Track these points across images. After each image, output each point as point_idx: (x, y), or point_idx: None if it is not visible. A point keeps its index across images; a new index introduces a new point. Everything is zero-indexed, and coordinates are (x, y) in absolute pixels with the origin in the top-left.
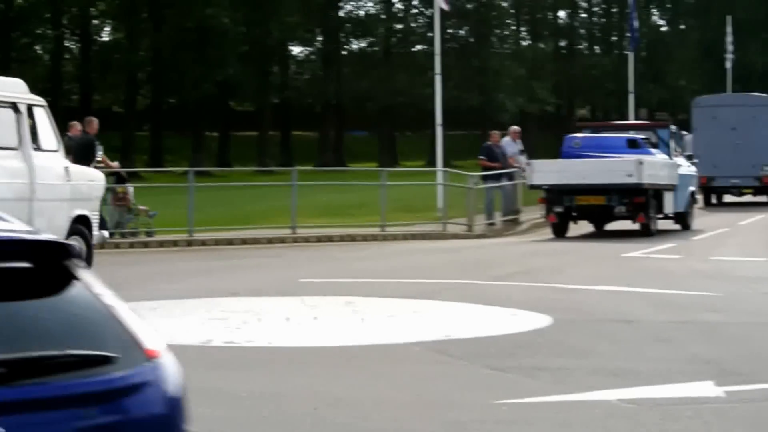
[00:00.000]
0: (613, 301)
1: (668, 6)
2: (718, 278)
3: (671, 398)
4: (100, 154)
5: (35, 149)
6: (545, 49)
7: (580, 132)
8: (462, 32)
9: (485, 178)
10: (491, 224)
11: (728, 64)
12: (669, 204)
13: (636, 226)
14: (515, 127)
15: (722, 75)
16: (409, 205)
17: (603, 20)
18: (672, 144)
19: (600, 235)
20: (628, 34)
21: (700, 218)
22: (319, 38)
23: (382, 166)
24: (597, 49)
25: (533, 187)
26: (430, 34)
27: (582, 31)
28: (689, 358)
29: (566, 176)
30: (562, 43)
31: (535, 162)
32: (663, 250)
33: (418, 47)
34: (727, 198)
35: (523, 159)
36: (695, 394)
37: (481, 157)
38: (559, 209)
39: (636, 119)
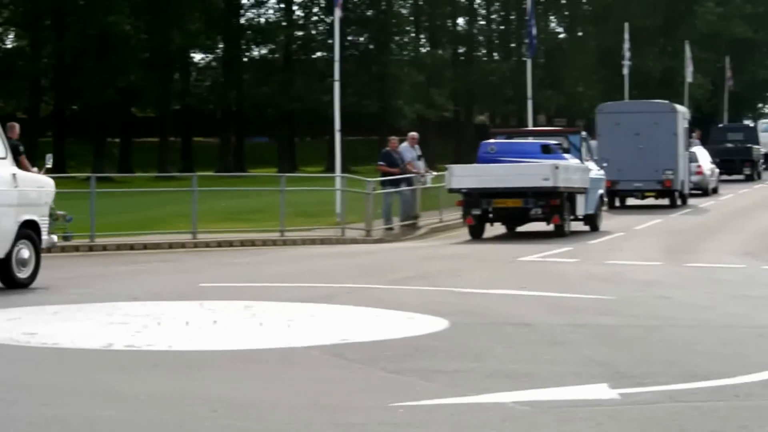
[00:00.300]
0: (509, 304)
1: (566, 13)
2: (612, 282)
3: (566, 401)
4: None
5: None
6: (444, 55)
7: (494, 138)
8: (362, 39)
9: (384, 184)
10: (389, 229)
11: (626, 71)
12: (580, 206)
13: (550, 228)
14: (413, 133)
15: (620, 81)
16: (308, 210)
17: (501, 27)
18: (583, 149)
19: (499, 239)
20: (527, 41)
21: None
22: (221, 45)
23: (281, 171)
24: (495, 55)
25: (452, 190)
26: (330, 41)
27: (481, 38)
28: (584, 360)
29: (484, 180)
30: (461, 50)
31: (453, 167)
32: (559, 253)
33: (318, 54)
34: (630, 201)
35: (421, 164)
36: (589, 396)
37: (381, 163)
38: (476, 212)
39: (534, 125)
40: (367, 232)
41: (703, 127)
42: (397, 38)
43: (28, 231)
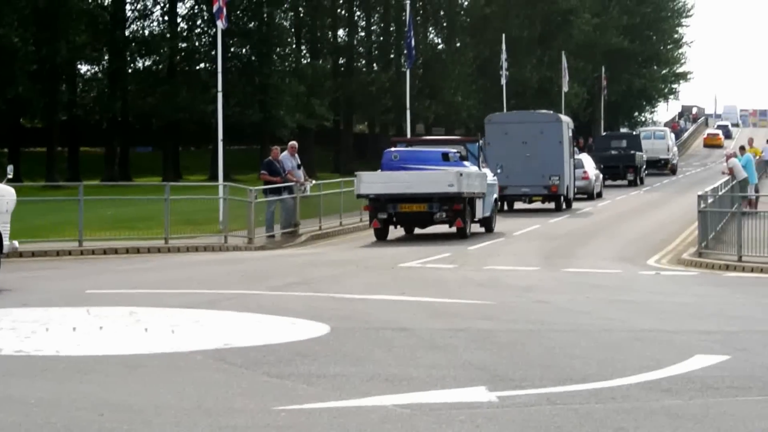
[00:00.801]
0: (389, 309)
1: (444, 24)
2: (491, 287)
3: (445, 403)
4: None
5: None
6: (324, 66)
7: (395, 147)
8: (244, 51)
9: (266, 192)
10: (271, 236)
11: (503, 81)
12: (479, 210)
13: (453, 230)
14: (293, 142)
15: (498, 91)
16: (192, 218)
17: (381, 38)
18: (481, 157)
19: (381, 245)
20: (405, 52)
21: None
22: (106, 57)
23: (166, 180)
24: (375, 66)
25: (360, 196)
26: (213, 53)
27: (360, 49)
28: (462, 364)
29: (391, 186)
30: (341, 61)
31: (362, 174)
32: (439, 259)
33: (202, 65)
34: (518, 205)
35: (300, 173)
36: (468, 399)
37: (263, 172)
38: (383, 216)
39: (412, 134)
40: (250, 239)
41: (580, 135)
42: (278, 49)
43: None
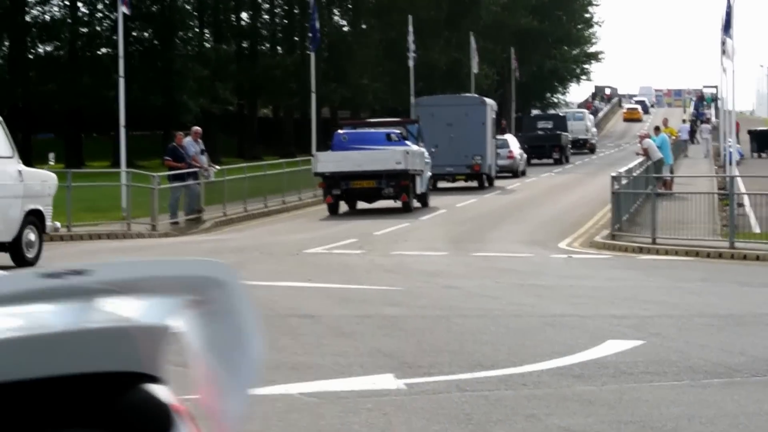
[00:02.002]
0: (294, 296)
1: (350, 6)
2: (398, 272)
3: (352, 391)
4: None
5: None
6: (228, 50)
7: (342, 129)
8: (146, 35)
9: (170, 178)
10: (175, 223)
11: (411, 63)
12: (419, 186)
13: (398, 204)
14: (196, 128)
15: (405, 74)
16: (95, 205)
17: (285, 21)
18: (421, 137)
19: (284, 230)
20: (310, 35)
21: (393, 214)
22: (6, 43)
23: (68, 167)
24: (279, 49)
25: (317, 174)
26: (114, 38)
27: (264, 32)
28: (370, 351)
29: (344, 164)
30: (245, 44)
31: (319, 154)
32: (345, 245)
33: (104, 50)
34: (442, 184)
35: (204, 159)
36: (376, 387)
37: (167, 158)
38: (336, 192)
39: (318, 118)
40: (153, 226)
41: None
42: (181, 33)
43: (34, 218)
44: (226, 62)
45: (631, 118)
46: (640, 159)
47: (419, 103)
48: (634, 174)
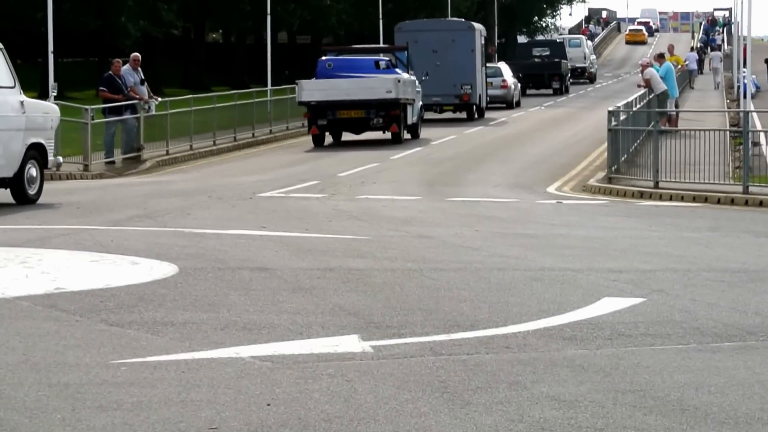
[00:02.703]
0: (246, 246)
1: None
2: (364, 219)
3: (311, 354)
4: None
5: None
6: None
7: (326, 55)
8: None
9: (105, 111)
10: (111, 162)
11: None
12: (410, 116)
13: (387, 136)
14: (135, 54)
15: None
16: None
17: None
18: (411, 65)
19: (236, 171)
20: None
21: (358, 149)
22: None
23: None
24: None
25: (301, 103)
26: None
27: None
28: (332, 309)
29: (331, 93)
30: None
31: (303, 81)
32: (305, 188)
33: None
34: (428, 115)
35: (144, 90)
36: (338, 349)
37: (102, 88)
38: (322, 122)
39: (273, 43)
40: (86, 166)
41: None
42: None
43: (35, 152)
44: None
45: (634, 40)
46: (641, 91)
47: (401, 29)
48: (634, 108)
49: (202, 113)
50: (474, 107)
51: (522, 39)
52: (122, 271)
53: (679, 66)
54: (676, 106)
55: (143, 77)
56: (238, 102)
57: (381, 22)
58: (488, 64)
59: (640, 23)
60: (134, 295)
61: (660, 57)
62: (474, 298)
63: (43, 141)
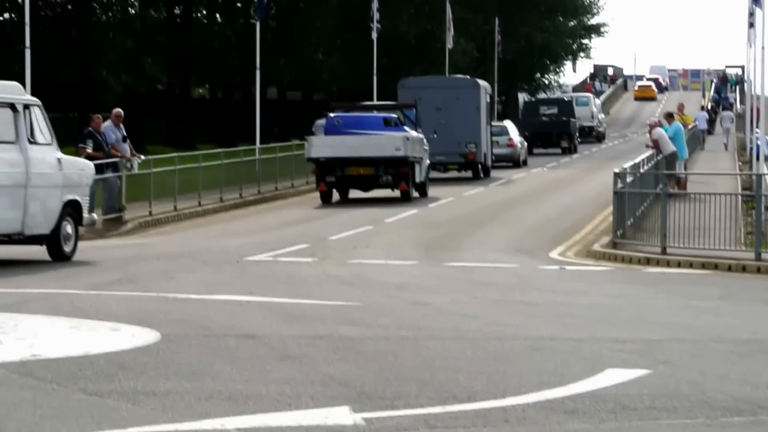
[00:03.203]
0: (232, 312)
1: None
2: (357, 285)
3: (300, 427)
4: None
5: (31, 143)
6: (157, 17)
7: (332, 113)
8: None
9: None
10: (91, 224)
11: (374, 35)
12: (418, 174)
13: (396, 194)
14: (117, 110)
15: (367, 48)
16: None
17: None
18: (419, 122)
19: (222, 234)
20: (255, 0)
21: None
22: None
23: None
24: (218, 17)
25: (310, 160)
26: (19, 1)
27: None
28: (322, 379)
29: (340, 150)
30: (177, 11)
31: (312, 138)
32: (294, 251)
33: (6, 16)
34: (433, 174)
35: (126, 147)
36: (328, 422)
37: (82, 145)
38: (330, 179)
39: (262, 99)
40: None
41: None
42: None
43: (71, 209)
44: (155, 32)
45: (644, 96)
46: (649, 152)
47: (405, 85)
48: (642, 170)
49: (187, 172)
50: (479, 166)
51: (524, 97)
52: (102, 338)
53: (689, 126)
54: (686, 168)
55: (125, 134)
56: (225, 161)
57: (375, 78)
58: (494, 123)
59: (649, 80)
60: (114, 363)
61: (669, 116)
62: (471, 368)
63: (78, 198)
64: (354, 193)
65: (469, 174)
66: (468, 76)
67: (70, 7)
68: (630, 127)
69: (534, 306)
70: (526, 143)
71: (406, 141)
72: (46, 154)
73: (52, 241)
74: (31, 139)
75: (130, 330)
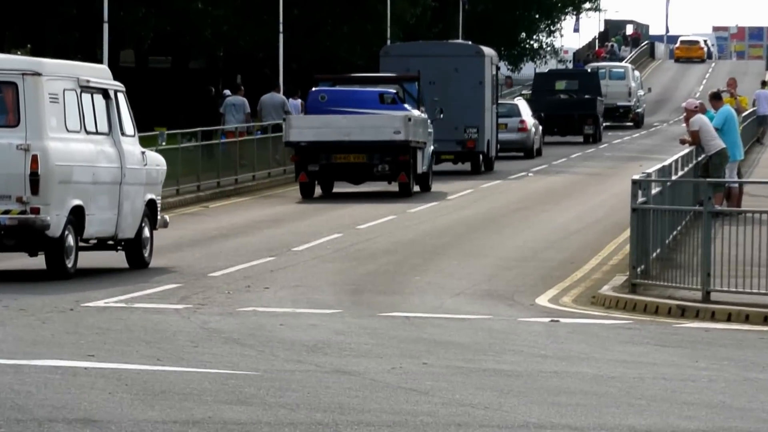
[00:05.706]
0: (62, 386)
1: None
2: (250, 344)
3: None
4: None
5: (121, 134)
6: None
7: (318, 85)
8: None
9: None
10: None
11: None
12: (420, 164)
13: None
14: None
15: None
16: None
17: None
18: (422, 99)
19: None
20: None
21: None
22: None
23: None
24: None
25: (289, 144)
26: None
27: None
28: None
29: (325, 133)
30: None
31: (291, 117)
32: (158, 294)
33: None
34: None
35: None
36: None
37: None
38: (313, 168)
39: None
40: None
41: None
42: None
43: (147, 210)
44: None
45: (688, 56)
46: (686, 149)
47: (388, 52)
48: (673, 177)
49: None
50: (480, 157)
51: (505, 68)
52: None
53: (744, 110)
54: (739, 174)
55: None
56: None
57: (281, 37)
58: (500, 102)
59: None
60: None
61: (715, 97)
62: None
63: (155, 197)
64: (339, 186)
65: (467, 167)
66: (470, 42)
67: None
68: (659, 112)
69: (513, 377)
70: (541, 127)
71: (407, 122)
72: (134, 147)
73: (134, 246)
74: (121, 130)
75: None
